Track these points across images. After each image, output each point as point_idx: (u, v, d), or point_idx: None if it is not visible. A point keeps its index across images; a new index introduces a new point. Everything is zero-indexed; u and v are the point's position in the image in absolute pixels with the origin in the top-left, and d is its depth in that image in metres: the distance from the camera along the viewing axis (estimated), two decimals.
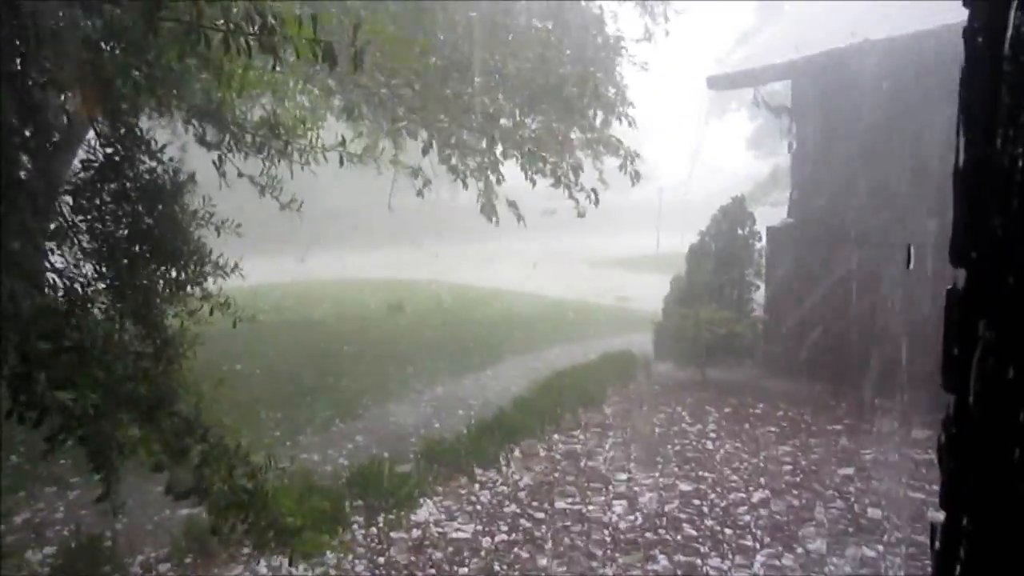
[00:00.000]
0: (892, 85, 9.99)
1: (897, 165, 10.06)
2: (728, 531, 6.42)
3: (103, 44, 4.05)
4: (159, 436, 3.98)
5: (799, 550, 6.04)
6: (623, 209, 39.52)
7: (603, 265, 31.73)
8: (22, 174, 3.87)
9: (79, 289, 4.01)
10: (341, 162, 5.91)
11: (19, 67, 3.80)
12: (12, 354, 3.41)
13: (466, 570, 5.75)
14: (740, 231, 12.76)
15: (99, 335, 3.81)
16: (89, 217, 4.02)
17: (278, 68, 4.11)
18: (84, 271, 4.24)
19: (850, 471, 7.71)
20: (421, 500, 6.97)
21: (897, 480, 7.37)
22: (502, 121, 10.65)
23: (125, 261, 4.00)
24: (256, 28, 3.35)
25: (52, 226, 4.10)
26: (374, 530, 6.41)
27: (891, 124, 10.19)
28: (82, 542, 5.63)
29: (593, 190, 10.76)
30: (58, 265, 4.20)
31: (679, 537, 6.33)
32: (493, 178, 11.02)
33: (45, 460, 7.40)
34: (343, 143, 6.50)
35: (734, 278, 12.45)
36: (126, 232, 4.08)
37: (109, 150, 4.19)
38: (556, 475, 7.72)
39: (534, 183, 10.36)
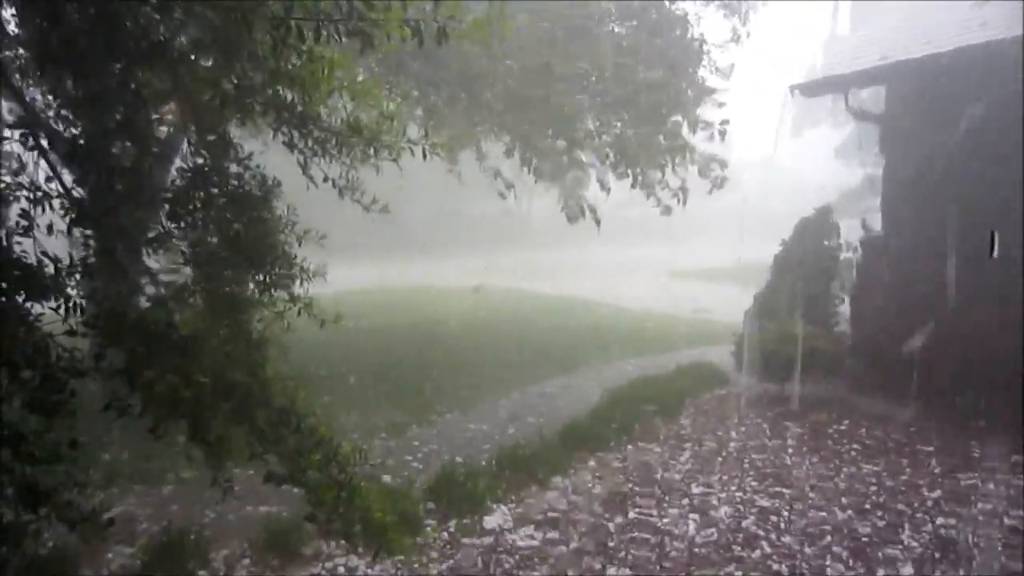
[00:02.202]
0: (991, 91, 9.57)
1: (997, 175, 9.61)
2: (808, 550, 6.24)
3: (193, 55, 4.24)
4: (254, 426, 4.17)
5: (882, 573, 5.82)
6: (703, 219, 38.92)
7: (682, 276, 31.31)
8: (116, 183, 4.09)
9: (173, 291, 4.20)
10: (424, 155, 5.99)
11: (118, 81, 4.01)
12: (115, 351, 3.62)
13: (538, 575, 5.76)
14: (825, 242, 12.44)
15: (196, 333, 3.99)
16: (183, 224, 4.21)
17: (365, 54, 4.24)
18: (179, 275, 4.45)
19: (938, 494, 7.39)
20: (493, 506, 7.00)
21: (990, 505, 7.03)
22: (581, 125, 10.68)
23: (215, 265, 4.17)
24: (344, 14, 3.51)
25: (152, 234, 4.31)
26: (446, 535, 6.47)
27: (990, 131, 9.75)
28: (170, 537, 5.86)
29: (681, 189, 10.67)
30: (155, 269, 4.42)
31: (756, 554, 6.18)
32: (576, 178, 11.05)
33: (136, 458, 7.84)
34: (426, 135, 6.58)
35: (818, 291, 12.12)
36: (215, 237, 4.25)
37: (199, 160, 4.39)
38: (630, 486, 7.65)
39: (608, 191, 10.33)
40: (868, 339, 11.44)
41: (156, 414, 3.73)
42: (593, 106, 10.53)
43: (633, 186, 10.85)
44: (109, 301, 3.55)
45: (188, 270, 4.25)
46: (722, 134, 11.14)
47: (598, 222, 10.52)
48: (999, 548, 6.18)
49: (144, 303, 4.10)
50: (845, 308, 12.30)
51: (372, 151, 5.47)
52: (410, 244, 34.79)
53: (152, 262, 4.36)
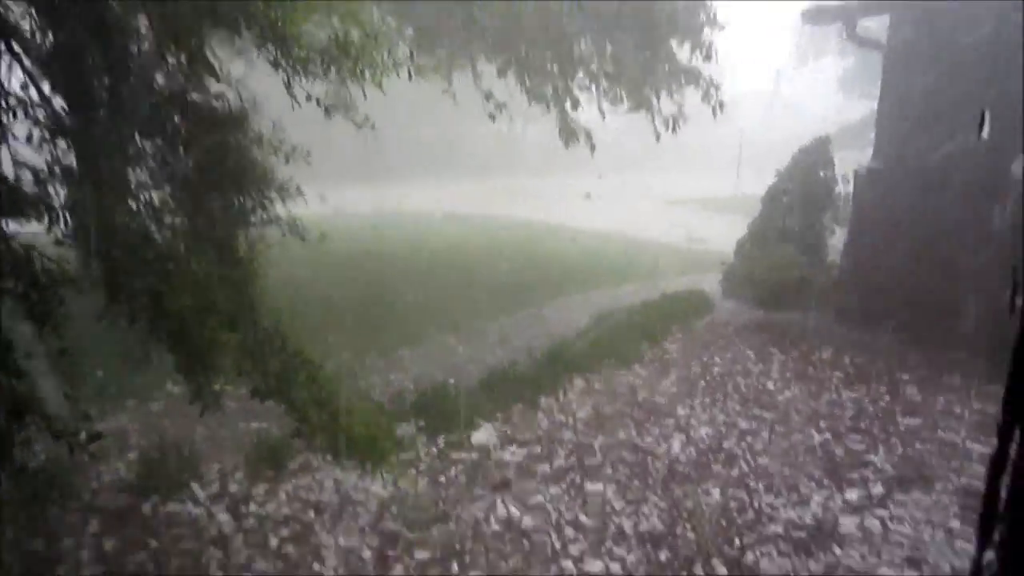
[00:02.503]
0: (996, 26, 9.40)
1: (996, 111, 9.50)
2: (784, 469, 6.43)
3: None
4: (241, 342, 4.24)
5: (854, 492, 6.01)
6: (702, 148, 38.59)
7: (678, 205, 31.19)
8: (104, 94, 4.05)
9: (153, 209, 4.21)
10: (410, 76, 5.92)
11: None
12: (102, 264, 3.66)
13: (524, 490, 5.92)
14: (821, 173, 12.37)
15: (178, 251, 4.03)
16: (159, 141, 4.18)
17: None
18: (157, 194, 4.44)
19: (916, 421, 7.57)
20: (481, 425, 7.16)
21: (962, 432, 7.21)
22: (577, 47, 10.50)
23: (193, 185, 4.17)
24: None
25: (130, 151, 4.28)
26: (435, 450, 6.63)
27: (993, 66, 9.59)
28: (163, 450, 6.00)
29: (675, 115, 10.57)
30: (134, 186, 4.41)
31: (734, 472, 6.37)
32: (568, 103, 10.91)
33: (131, 373, 7.93)
34: (412, 56, 6.47)
35: (811, 221, 12.11)
36: (194, 156, 4.23)
37: (176, 76, 4.33)
38: (615, 407, 7.81)
39: (604, 115, 10.22)
40: (857, 270, 11.49)
41: (143, 333, 3.79)
42: (589, 26, 10.31)
43: (630, 109, 10.72)
44: (92, 212, 3.56)
45: (161, 192, 4.25)
46: (707, 56, 10.94)
47: (592, 148, 10.43)
48: (963, 472, 6.37)
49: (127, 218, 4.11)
50: (837, 239, 12.32)
51: (358, 71, 5.41)
52: (401, 169, 34.47)
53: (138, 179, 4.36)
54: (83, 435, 3.56)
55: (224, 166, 4.24)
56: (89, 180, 3.71)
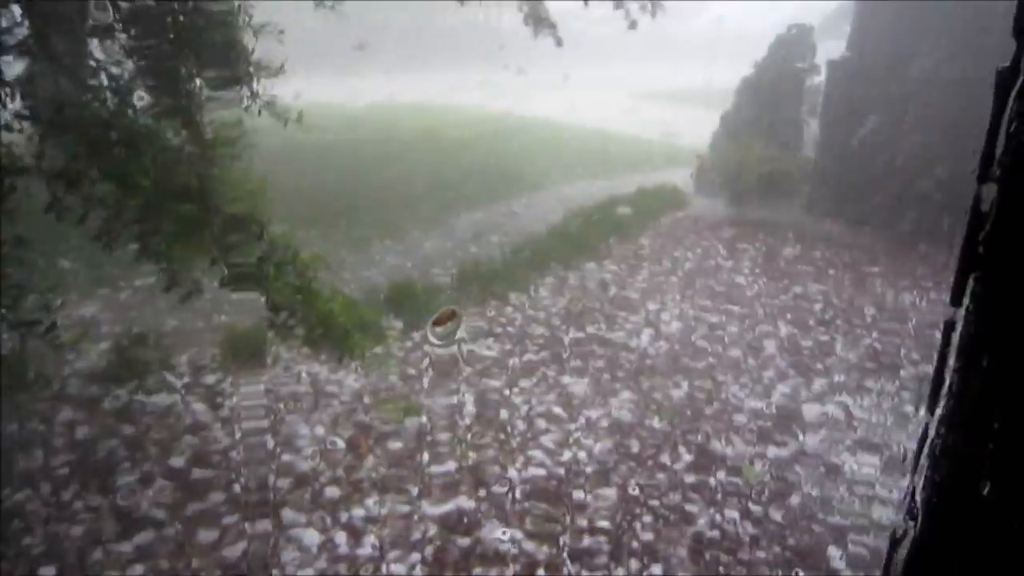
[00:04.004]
0: None
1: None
2: (751, 361, 6.57)
3: None
4: (210, 232, 4.14)
5: (818, 382, 6.19)
6: (678, 40, 37.68)
7: (654, 98, 30.66)
8: None
9: (120, 85, 4.00)
10: None
11: None
12: (57, 151, 3.49)
13: (495, 384, 6.02)
14: (800, 64, 12.17)
15: (144, 126, 3.85)
16: (124, 10, 3.94)
17: None
18: (125, 67, 4.21)
19: (880, 312, 7.73)
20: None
21: (925, 323, 7.39)
22: None
23: (160, 59, 3.95)
24: None
25: (92, 22, 4.04)
26: (409, 344, 6.67)
27: None
28: (132, 338, 5.97)
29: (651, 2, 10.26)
30: (99, 60, 4.17)
31: (701, 365, 6.50)
32: None
33: (97, 264, 7.80)
34: None
35: (785, 114, 12.00)
36: (163, 27, 4.00)
37: None
38: (586, 302, 7.87)
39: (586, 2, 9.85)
40: (829, 162, 11.47)
41: (104, 220, 3.67)
42: None
43: None
44: (47, 90, 3.38)
45: (132, 64, 4.02)
46: None
47: (559, 41, 10.13)
48: (926, 362, 6.56)
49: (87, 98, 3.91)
50: (812, 131, 12.24)
51: None
52: (377, 58, 33.34)
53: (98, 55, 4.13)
54: (43, 325, 3.50)
55: (195, 38, 4.01)
56: (45, 51, 3.50)
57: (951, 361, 0.99)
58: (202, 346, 6.43)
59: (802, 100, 11.97)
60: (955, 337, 0.97)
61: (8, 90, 3.22)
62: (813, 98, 12.22)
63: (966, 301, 0.95)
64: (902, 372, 6.32)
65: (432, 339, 5.34)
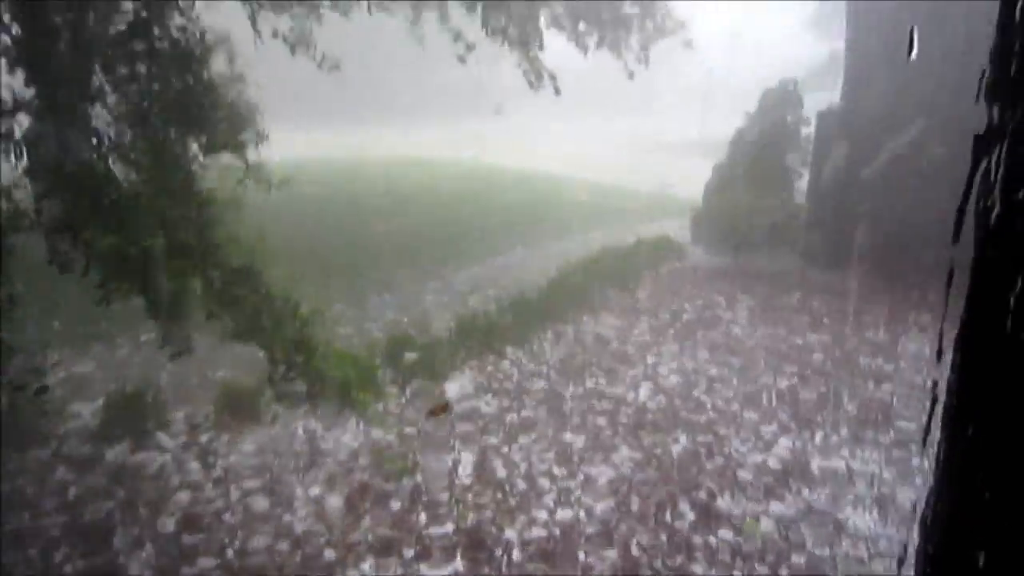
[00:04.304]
0: None
1: (963, 55, 9.45)
2: (751, 415, 6.51)
3: None
4: (210, 286, 4.14)
5: (820, 435, 6.11)
6: (669, 92, 38.29)
7: (647, 148, 31.03)
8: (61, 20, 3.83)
9: (114, 146, 4.03)
10: (369, 9, 5.73)
11: None
12: (60, 203, 3.50)
13: (494, 441, 5.93)
14: (788, 116, 12.32)
15: (140, 191, 3.87)
16: (121, 76, 3.99)
17: None
18: (119, 130, 4.25)
19: (881, 362, 7.68)
20: (452, 374, 7.13)
21: (925, 372, 7.34)
22: None
23: (156, 122, 3.99)
24: None
25: (95, 85, 4.09)
26: (404, 400, 6.60)
27: (961, 9, 9.50)
28: (127, 396, 5.90)
29: (643, 49, 10.44)
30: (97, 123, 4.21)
31: (702, 419, 6.43)
32: (536, 44, 10.72)
33: (93, 319, 7.76)
34: None
35: (778, 165, 12.11)
36: (156, 92, 4.05)
37: (140, 9, 4.12)
38: (585, 356, 7.82)
39: (585, 50, 10.05)
40: (822, 211, 11.55)
41: (104, 274, 3.66)
42: None
43: (600, 45, 10.56)
44: (53, 147, 3.40)
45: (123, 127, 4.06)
46: None
47: (557, 91, 10.29)
48: (921, 411, 6.49)
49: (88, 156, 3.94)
50: (805, 181, 12.34)
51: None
52: (372, 112, 33.81)
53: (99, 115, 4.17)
54: (33, 387, 3.47)
55: (189, 101, 4.06)
56: (50, 110, 3.53)
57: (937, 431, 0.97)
58: (197, 403, 6.35)
59: (796, 149, 12.08)
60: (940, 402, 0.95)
61: (17, 149, 3.24)
62: (805, 148, 12.35)
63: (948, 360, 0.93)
64: (903, 423, 6.25)
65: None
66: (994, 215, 0.87)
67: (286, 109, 5.77)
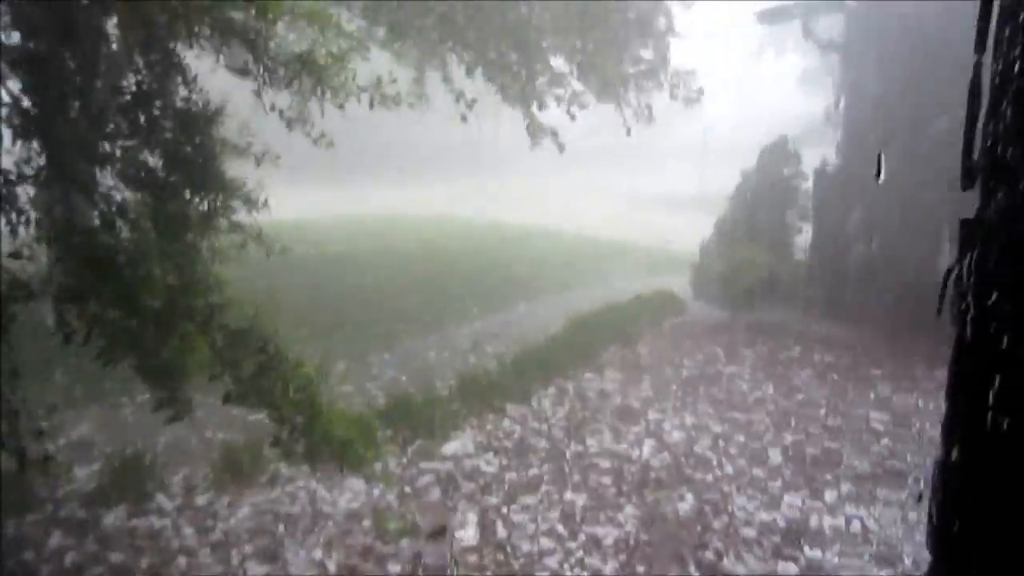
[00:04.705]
0: (946, 26, 9.51)
1: (953, 110, 9.62)
2: (757, 472, 6.43)
3: None
4: (212, 348, 4.14)
5: (827, 493, 6.03)
6: (667, 148, 38.75)
7: (645, 204, 31.30)
8: (61, 91, 3.92)
9: (119, 211, 4.08)
10: (371, 105, 5.84)
11: None
12: (66, 271, 3.52)
13: (494, 501, 5.86)
14: (784, 172, 12.47)
15: (143, 257, 3.90)
16: (126, 143, 4.07)
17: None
18: (124, 195, 4.31)
19: (885, 417, 7.63)
20: (453, 433, 7.08)
21: (931, 428, 7.28)
22: (545, 44, 10.54)
23: (159, 187, 4.05)
24: None
25: (99, 151, 4.16)
26: (405, 460, 6.54)
27: (949, 65, 9.70)
28: (126, 460, 5.85)
29: (647, 106, 10.64)
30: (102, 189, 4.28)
31: (708, 477, 6.35)
32: (535, 103, 10.93)
33: (93, 379, 7.74)
34: (379, 83, 6.42)
35: (776, 220, 12.21)
36: (160, 160, 4.12)
37: (144, 78, 4.21)
38: (587, 413, 7.77)
39: (573, 117, 10.24)
40: (823, 266, 11.61)
41: (106, 343, 3.66)
42: (556, 27, 10.32)
43: (601, 100, 10.78)
44: (63, 214, 3.44)
45: (127, 194, 4.12)
46: (664, 53, 11.05)
47: (561, 147, 10.46)
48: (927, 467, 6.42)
49: (95, 222, 3.98)
50: (805, 237, 12.43)
51: (320, 91, 5.33)
52: (373, 170, 34.20)
53: (106, 181, 4.24)
54: (34, 450, 3.44)
55: (193, 168, 4.13)
56: (59, 179, 3.58)
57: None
58: (196, 464, 6.29)
59: (794, 205, 12.19)
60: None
61: (24, 217, 3.28)
62: (804, 204, 12.46)
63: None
64: (910, 480, 6.18)
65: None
66: (968, 318, 0.88)
67: (285, 169, 5.84)
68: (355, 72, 6.03)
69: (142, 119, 4.13)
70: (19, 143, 3.59)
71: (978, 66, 0.91)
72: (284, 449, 5.00)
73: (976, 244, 0.87)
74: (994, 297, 0.85)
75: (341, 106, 5.48)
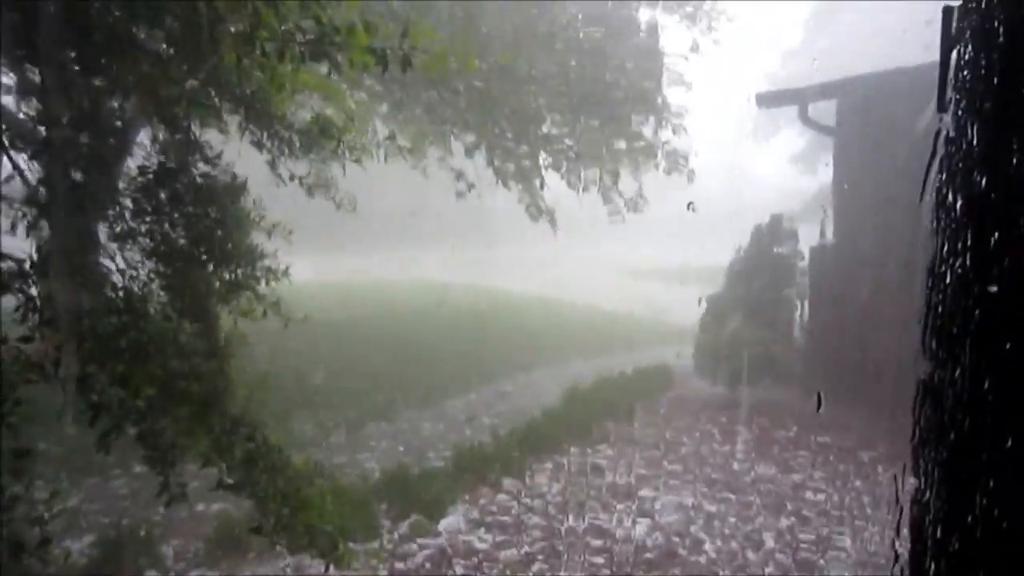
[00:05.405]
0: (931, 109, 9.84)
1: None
2: (751, 555, 6.40)
3: (161, 52, 4.20)
4: (209, 433, 4.16)
5: None
6: (661, 220, 39.22)
7: (643, 275, 31.58)
8: (78, 176, 4.04)
9: (137, 289, 4.16)
10: (386, 157, 6.01)
11: (75, 71, 3.96)
12: (72, 356, 3.58)
13: None
14: (777, 249, 12.66)
15: (156, 334, 3.97)
16: (148, 220, 4.18)
17: (333, 75, 4.24)
18: (143, 272, 4.40)
19: (881, 501, 7.61)
20: (447, 508, 7.05)
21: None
22: (545, 128, 10.82)
23: (181, 262, 4.15)
24: (308, 37, 3.50)
25: (117, 229, 4.27)
26: (398, 536, 6.50)
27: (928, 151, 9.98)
28: (120, 533, 5.82)
29: (638, 195, 10.88)
30: (120, 266, 4.37)
31: (701, 559, 6.32)
32: (536, 182, 11.18)
33: (88, 452, 7.71)
34: (392, 137, 6.60)
35: (771, 297, 12.34)
36: (182, 235, 4.23)
37: (163, 157, 4.35)
38: (582, 489, 7.75)
39: (578, 191, 10.50)
40: (819, 346, 11.70)
41: (111, 424, 3.70)
42: (556, 106, 10.61)
43: (586, 189, 11.08)
44: (67, 302, 3.52)
45: (150, 267, 4.21)
46: (675, 129, 11.35)
47: (554, 225, 10.76)
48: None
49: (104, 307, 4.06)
50: (800, 313, 12.55)
51: (339, 151, 5.49)
52: (373, 238, 34.49)
53: (110, 263, 4.32)
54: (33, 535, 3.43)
55: (214, 244, 4.23)
56: (65, 267, 3.67)
57: None
58: (188, 537, 6.25)
59: (791, 283, 12.35)
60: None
61: (32, 303, 3.36)
62: (801, 281, 12.62)
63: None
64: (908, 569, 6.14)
65: None
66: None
67: (298, 238, 5.96)
68: (372, 127, 6.23)
69: (163, 196, 4.26)
70: (29, 233, 3.68)
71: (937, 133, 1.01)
72: (269, 536, 4.97)
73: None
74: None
75: (358, 161, 5.63)
